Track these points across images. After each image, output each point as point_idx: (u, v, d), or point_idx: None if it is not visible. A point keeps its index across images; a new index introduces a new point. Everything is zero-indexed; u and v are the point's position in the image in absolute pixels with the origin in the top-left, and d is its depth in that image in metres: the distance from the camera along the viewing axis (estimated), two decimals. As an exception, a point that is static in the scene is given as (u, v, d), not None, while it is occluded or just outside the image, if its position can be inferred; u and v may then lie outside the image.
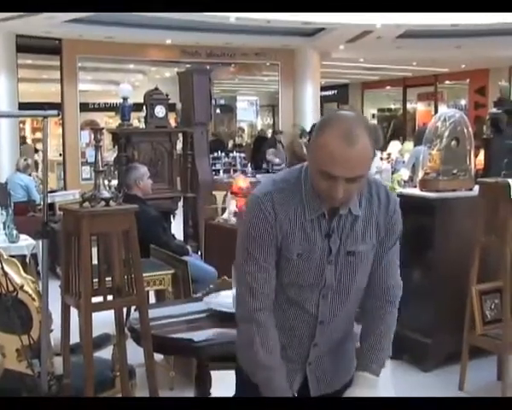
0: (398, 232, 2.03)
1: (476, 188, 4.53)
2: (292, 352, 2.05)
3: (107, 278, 2.87)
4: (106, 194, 2.78)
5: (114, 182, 7.11)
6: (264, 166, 12.80)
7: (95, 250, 2.84)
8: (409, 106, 20.78)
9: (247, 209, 2.02)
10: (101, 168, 2.86)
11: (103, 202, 2.76)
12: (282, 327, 2.02)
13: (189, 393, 3.79)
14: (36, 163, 10.93)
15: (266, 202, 1.92)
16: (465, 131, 4.78)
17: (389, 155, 11.43)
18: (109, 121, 15.33)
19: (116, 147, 7.31)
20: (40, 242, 2.93)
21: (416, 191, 4.97)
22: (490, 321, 4.32)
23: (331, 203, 1.89)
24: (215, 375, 3.44)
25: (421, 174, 4.95)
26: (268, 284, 1.96)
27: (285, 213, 1.92)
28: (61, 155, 13.12)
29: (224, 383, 3.71)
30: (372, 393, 1.99)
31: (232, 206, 6.30)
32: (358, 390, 1.99)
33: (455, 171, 4.75)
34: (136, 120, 9.15)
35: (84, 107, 13.66)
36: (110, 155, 10.37)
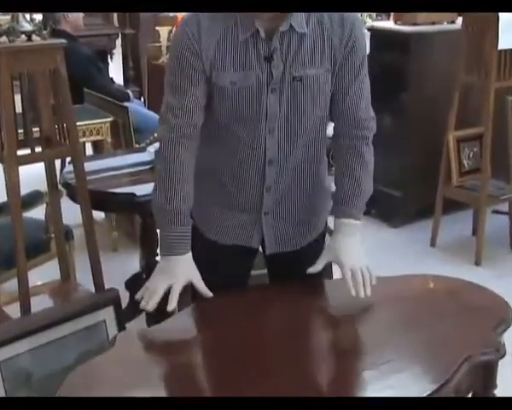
0: (360, 57, 1.97)
1: (459, 20, 4.47)
2: (244, 199, 2.06)
3: (34, 128, 2.80)
4: (27, 26, 2.65)
5: (38, 16, 6.85)
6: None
7: (18, 98, 2.75)
8: None
9: (173, 35, 1.96)
10: (19, -5, 2.72)
11: (24, 37, 2.64)
12: (232, 171, 2.03)
13: (134, 255, 3.85)
14: None
15: (191, 24, 1.88)
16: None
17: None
18: None
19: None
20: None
21: (390, 24, 4.91)
22: (467, 171, 4.41)
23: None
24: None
25: (395, 5, 4.87)
26: (192, 114, 1.93)
27: (213, 36, 1.87)
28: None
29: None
30: (355, 241, 2.04)
31: (179, 43, 6.16)
32: (340, 237, 2.03)
33: None
34: None
35: None
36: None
